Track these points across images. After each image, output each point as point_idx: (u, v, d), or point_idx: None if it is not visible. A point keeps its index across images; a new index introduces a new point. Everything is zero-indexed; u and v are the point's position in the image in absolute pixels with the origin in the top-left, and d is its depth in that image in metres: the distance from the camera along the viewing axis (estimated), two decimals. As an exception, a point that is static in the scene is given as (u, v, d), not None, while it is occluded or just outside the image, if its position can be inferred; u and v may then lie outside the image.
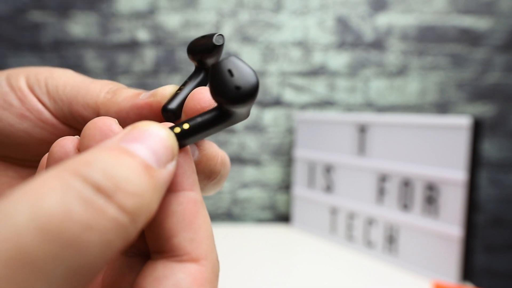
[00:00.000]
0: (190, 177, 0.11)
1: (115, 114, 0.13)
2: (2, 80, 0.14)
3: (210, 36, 0.13)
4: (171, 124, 0.11)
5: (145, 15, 0.70)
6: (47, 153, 0.12)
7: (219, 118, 0.11)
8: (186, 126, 0.11)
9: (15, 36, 0.69)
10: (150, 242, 0.11)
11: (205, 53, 0.13)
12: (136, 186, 0.08)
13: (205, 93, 0.12)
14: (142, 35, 0.70)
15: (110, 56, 0.70)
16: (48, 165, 0.11)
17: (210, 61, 0.14)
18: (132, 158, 0.09)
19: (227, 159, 0.15)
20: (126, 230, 0.08)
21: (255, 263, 0.53)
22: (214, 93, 0.10)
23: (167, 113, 0.12)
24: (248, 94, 0.10)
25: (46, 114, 0.14)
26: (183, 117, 0.12)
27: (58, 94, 0.14)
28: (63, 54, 0.70)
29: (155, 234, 0.11)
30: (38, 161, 0.15)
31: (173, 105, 0.12)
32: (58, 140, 0.11)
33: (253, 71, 0.10)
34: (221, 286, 0.46)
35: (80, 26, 0.69)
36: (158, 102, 0.13)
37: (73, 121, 0.14)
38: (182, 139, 0.11)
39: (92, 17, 0.69)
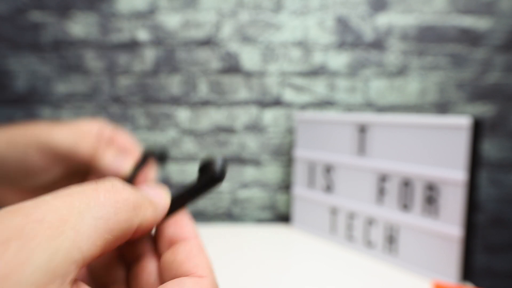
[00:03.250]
0: (192, 227, 0.16)
1: None
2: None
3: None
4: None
5: (145, 15, 0.70)
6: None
7: (202, 189, 0.16)
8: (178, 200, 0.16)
9: (15, 36, 0.69)
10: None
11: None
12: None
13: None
14: (142, 35, 0.70)
15: (110, 56, 0.70)
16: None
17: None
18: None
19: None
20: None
21: (255, 263, 0.53)
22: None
23: None
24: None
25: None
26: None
27: None
28: (63, 54, 0.70)
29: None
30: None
31: None
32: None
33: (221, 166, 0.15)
34: (221, 286, 0.46)
35: (80, 26, 0.69)
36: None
37: None
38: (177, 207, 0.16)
39: (92, 17, 0.69)
